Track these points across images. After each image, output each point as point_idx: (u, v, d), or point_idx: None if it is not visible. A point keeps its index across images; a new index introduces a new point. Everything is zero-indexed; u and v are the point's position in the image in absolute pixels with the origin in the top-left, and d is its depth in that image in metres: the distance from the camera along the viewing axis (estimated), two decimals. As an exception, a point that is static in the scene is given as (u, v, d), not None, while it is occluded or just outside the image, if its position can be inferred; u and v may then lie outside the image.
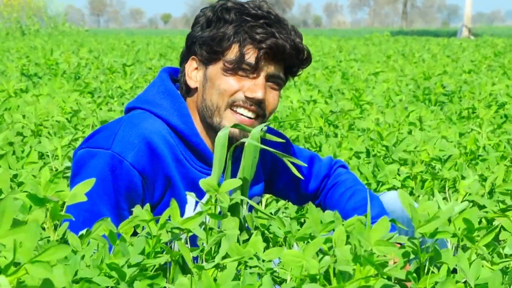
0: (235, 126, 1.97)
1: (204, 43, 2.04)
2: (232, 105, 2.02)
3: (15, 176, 2.60)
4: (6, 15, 30.43)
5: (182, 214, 1.85)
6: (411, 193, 3.09)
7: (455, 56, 13.11)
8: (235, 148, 1.99)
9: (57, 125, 3.68)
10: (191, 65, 2.08)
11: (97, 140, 1.94)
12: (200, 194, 1.93)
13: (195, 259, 1.56)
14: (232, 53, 2.01)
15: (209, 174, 2.01)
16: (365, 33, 36.48)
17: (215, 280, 1.34)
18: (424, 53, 14.33)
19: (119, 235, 1.49)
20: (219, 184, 1.68)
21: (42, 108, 3.93)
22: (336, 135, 4.15)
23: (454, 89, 6.55)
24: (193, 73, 2.08)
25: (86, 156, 1.92)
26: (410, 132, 4.06)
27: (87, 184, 1.32)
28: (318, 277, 1.42)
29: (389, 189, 3.02)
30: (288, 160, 1.95)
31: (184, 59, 2.12)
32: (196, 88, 2.07)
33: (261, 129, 1.95)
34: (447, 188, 2.97)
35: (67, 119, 3.99)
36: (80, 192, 1.26)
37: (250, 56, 2.00)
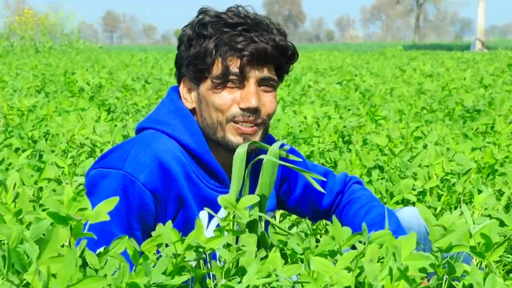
0: (253, 143, 1.97)
1: (190, 63, 2.03)
2: (232, 121, 2.01)
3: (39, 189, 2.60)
4: (20, 33, 30.59)
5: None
6: (428, 208, 3.06)
7: (471, 70, 13.03)
8: (251, 165, 1.99)
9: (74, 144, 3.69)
10: (184, 86, 2.09)
11: (109, 160, 1.95)
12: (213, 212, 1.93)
13: (213, 275, 1.55)
14: (217, 68, 2.00)
15: (222, 192, 2.01)
16: (378, 47, 36.43)
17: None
18: (439, 67, 14.26)
19: (140, 254, 1.49)
20: (237, 201, 1.67)
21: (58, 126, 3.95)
22: (350, 151, 4.13)
23: (473, 104, 6.49)
24: (187, 95, 2.08)
25: (98, 176, 1.93)
26: (425, 147, 4.03)
27: (110, 203, 1.32)
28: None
29: (405, 205, 3.01)
30: (308, 175, 1.94)
31: (178, 81, 2.12)
32: (194, 108, 2.08)
33: (280, 146, 1.94)
34: (461, 202, 2.94)
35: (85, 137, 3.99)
36: (103, 211, 1.26)
37: (234, 66, 1.99)
